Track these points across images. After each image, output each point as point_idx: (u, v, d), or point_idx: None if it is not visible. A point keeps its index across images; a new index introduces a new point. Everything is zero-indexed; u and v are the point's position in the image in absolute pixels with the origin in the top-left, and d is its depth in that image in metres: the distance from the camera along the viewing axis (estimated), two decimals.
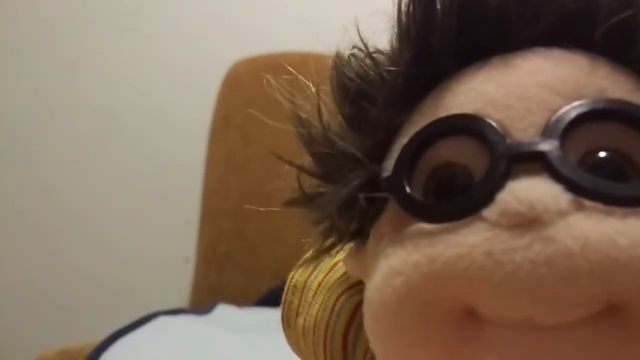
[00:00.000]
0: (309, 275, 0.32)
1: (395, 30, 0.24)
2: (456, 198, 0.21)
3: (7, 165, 1.23)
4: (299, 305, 0.32)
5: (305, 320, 0.31)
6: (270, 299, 0.88)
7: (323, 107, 0.26)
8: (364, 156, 0.24)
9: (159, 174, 1.19)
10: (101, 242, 1.21)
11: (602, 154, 0.21)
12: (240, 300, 0.93)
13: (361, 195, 0.23)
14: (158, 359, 0.67)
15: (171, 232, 1.17)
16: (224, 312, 0.86)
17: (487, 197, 0.20)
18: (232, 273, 0.99)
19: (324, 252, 0.27)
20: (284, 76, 0.28)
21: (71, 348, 0.73)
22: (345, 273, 0.30)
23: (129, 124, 1.20)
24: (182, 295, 1.04)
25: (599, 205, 0.19)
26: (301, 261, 0.31)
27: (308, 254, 0.29)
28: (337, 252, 0.27)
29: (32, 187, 1.22)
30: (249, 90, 0.99)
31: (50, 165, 1.22)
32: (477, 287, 0.19)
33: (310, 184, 0.26)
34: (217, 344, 0.71)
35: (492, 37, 0.23)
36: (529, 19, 0.23)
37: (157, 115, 1.20)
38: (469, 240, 0.19)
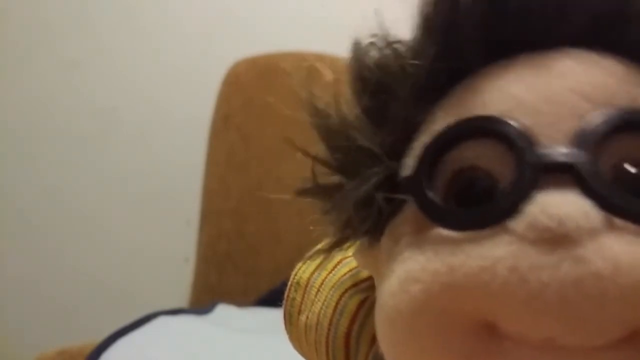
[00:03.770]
0: (312, 273, 0.32)
1: (418, 20, 0.23)
2: (480, 206, 0.20)
3: (7, 165, 1.23)
4: (301, 303, 0.31)
5: (307, 317, 0.31)
6: (270, 299, 0.88)
7: (340, 99, 0.25)
8: (383, 152, 0.23)
9: (159, 174, 1.19)
10: (101, 242, 1.21)
11: (632, 169, 0.20)
12: (240, 300, 0.93)
13: (379, 195, 0.22)
14: (158, 359, 0.67)
15: (171, 232, 1.17)
16: (224, 312, 0.86)
17: (514, 208, 0.19)
18: (232, 273, 0.99)
19: (336, 245, 0.26)
20: (299, 68, 0.26)
21: (71, 348, 0.73)
22: (348, 271, 0.30)
23: (129, 124, 1.20)
24: (182, 295, 1.04)
25: (631, 226, 0.18)
26: (312, 252, 0.31)
27: (320, 246, 0.29)
28: (348, 247, 0.27)
29: (32, 187, 1.22)
30: (249, 90, 0.99)
31: (51, 165, 1.22)
32: (500, 302, 0.18)
33: (324, 174, 0.25)
34: (217, 344, 0.71)
35: (520, 33, 0.22)
36: (558, 17, 0.22)
37: (157, 115, 1.20)
38: (494, 253, 0.18)
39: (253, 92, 0.99)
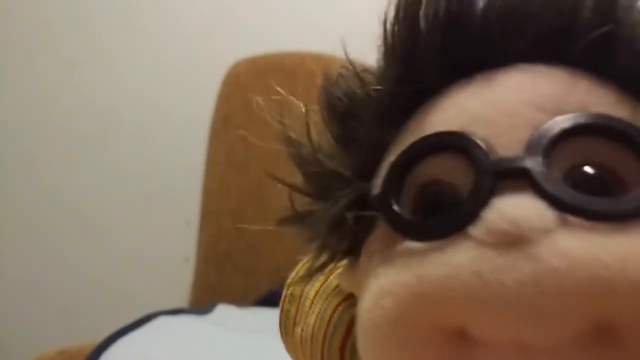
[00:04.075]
0: (306, 284, 0.32)
1: (382, 48, 0.25)
2: (443, 216, 0.20)
3: (7, 165, 1.24)
4: (296, 315, 0.32)
5: (302, 330, 0.31)
6: (270, 299, 0.88)
7: (312, 127, 0.26)
8: (353, 174, 0.24)
9: (159, 174, 1.19)
10: (101, 242, 1.21)
11: (586, 169, 0.21)
12: (240, 300, 0.93)
13: (349, 215, 0.23)
14: (158, 359, 0.67)
15: (171, 232, 1.17)
16: (223, 312, 0.86)
17: (474, 215, 0.20)
18: (232, 273, 0.99)
19: (316, 270, 0.27)
20: (273, 97, 0.28)
21: (71, 348, 0.73)
22: None
23: (129, 124, 1.21)
24: (182, 295, 1.04)
25: (584, 222, 0.19)
26: (294, 278, 0.31)
27: (301, 272, 0.29)
28: (330, 270, 0.27)
29: (32, 187, 1.22)
30: (249, 90, 0.99)
31: (51, 165, 1.22)
32: (466, 307, 0.19)
33: (303, 202, 0.26)
34: (217, 344, 0.71)
35: (476, 53, 0.23)
36: (511, 35, 0.23)
37: (157, 115, 1.20)
38: (457, 260, 0.19)
39: (253, 92, 0.99)
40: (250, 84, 0.99)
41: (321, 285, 0.31)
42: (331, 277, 0.31)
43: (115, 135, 1.21)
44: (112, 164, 1.21)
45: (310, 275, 0.28)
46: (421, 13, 0.23)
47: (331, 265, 0.27)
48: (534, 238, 0.18)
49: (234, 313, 0.87)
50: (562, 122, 0.21)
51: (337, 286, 0.30)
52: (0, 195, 1.23)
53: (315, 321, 0.30)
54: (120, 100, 1.21)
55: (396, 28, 0.24)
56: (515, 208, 0.19)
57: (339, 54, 0.27)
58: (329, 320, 0.30)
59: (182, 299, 1.03)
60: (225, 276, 0.99)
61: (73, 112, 1.21)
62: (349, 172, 0.24)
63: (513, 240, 0.19)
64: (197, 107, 1.08)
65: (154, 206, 1.19)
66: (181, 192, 1.14)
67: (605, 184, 0.20)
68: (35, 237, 1.22)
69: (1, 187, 1.24)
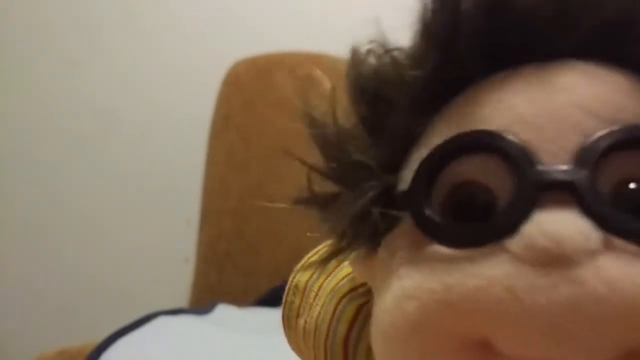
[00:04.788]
0: (311, 276, 0.31)
1: (418, 28, 0.23)
2: (478, 223, 0.19)
3: (7, 164, 1.23)
4: (300, 306, 0.31)
5: (306, 322, 0.31)
6: (270, 299, 0.88)
7: (337, 108, 0.24)
8: (379, 166, 0.23)
9: (159, 174, 1.19)
10: (101, 242, 1.21)
11: (633, 186, 0.19)
12: (240, 300, 0.93)
13: (375, 210, 0.22)
14: (158, 359, 0.67)
15: (171, 232, 1.17)
16: (223, 312, 0.86)
17: (512, 227, 0.19)
18: (232, 273, 0.99)
19: (330, 256, 0.26)
20: (297, 74, 0.26)
21: (71, 348, 0.73)
22: (346, 275, 0.30)
23: (129, 124, 1.20)
24: (182, 295, 1.04)
25: (630, 246, 0.18)
26: (305, 263, 0.31)
27: (314, 257, 0.29)
28: (335, 264, 0.27)
29: (32, 187, 1.22)
30: (249, 90, 0.99)
31: (51, 165, 1.22)
32: (494, 321, 0.18)
33: (321, 183, 0.24)
34: (217, 344, 0.71)
35: (522, 42, 0.21)
36: (565, 26, 0.21)
37: (157, 115, 1.20)
38: (490, 273, 0.18)
39: (253, 92, 0.99)
40: (250, 84, 0.99)
41: (326, 278, 0.31)
42: (336, 270, 0.31)
43: (115, 135, 1.21)
44: (112, 164, 1.21)
45: (324, 260, 0.27)
46: None
47: (347, 252, 0.26)
48: (576, 259, 0.18)
49: (234, 313, 0.87)
50: (615, 133, 0.19)
51: (342, 279, 0.30)
52: (0, 195, 1.23)
53: (320, 313, 0.30)
54: (120, 100, 1.20)
55: (434, 7, 0.22)
56: (558, 225, 0.18)
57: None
58: (333, 312, 0.30)
59: (182, 299, 1.03)
60: (225, 276, 0.99)
61: (73, 112, 1.21)
62: (375, 162, 0.23)
63: (553, 259, 0.18)
64: (197, 107, 1.08)
65: (154, 206, 1.19)
66: (181, 192, 1.14)
67: None
68: (35, 237, 1.22)
69: (1, 187, 1.23)
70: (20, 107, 1.23)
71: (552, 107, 0.20)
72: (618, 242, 0.18)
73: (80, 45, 1.22)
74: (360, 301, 0.29)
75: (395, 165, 0.23)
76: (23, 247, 1.23)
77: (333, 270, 0.31)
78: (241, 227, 0.99)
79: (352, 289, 0.29)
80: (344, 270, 0.31)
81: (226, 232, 0.99)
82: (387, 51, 0.23)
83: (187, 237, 1.07)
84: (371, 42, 0.24)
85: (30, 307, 1.22)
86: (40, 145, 1.22)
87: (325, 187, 0.24)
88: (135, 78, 1.20)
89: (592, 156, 0.19)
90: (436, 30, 0.22)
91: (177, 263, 1.12)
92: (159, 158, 1.19)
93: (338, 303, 0.30)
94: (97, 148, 1.21)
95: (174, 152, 1.18)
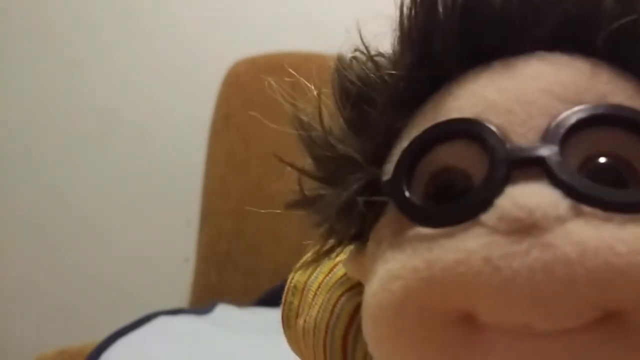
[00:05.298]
0: (309, 276, 0.32)
1: (397, 33, 0.24)
2: (455, 202, 0.20)
3: (7, 164, 1.23)
4: (299, 306, 0.32)
5: (305, 321, 0.31)
6: (270, 299, 0.88)
7: (324, 110, 0.25)
8: (364, 159, 0.24)
9: (159, 174, 1.19)
10: (101, 242, 1.21)
11: (602, 160, 0.21)
12: (240, 300, 0.93)
13: (360, 199, 0.23)
14: (158, 359, 0.67)
15: (171, 232, 1.17)
16: (224, 312, 0.86)
17: (486, 202, 0.20)
18: (232, 273, 0.99)
19: (323, 254, 0.27)
20: (286, 78, 0.28)
21: (71, 348, 0.73)
22: (345, 274, 0.30)
23: (129, 124, 1.20)
24: (182, 295, 1.04)
25: (598, 212, 0.19)
26: (301, 263, 0.31)
27: (308, 256, 0.29)
28: (337, 255, 0.27)
29: (32, 187, 1.22)
30: (249, 90, 0.99)
31: (51, 165, 1.22)
32: (475, 292, 0.19)
33: (311, 186, 0.26)
34: (217, 343, 0.71)
35: (495, 40, 0.23)
36: (531, 22, 0.23)
37: (157, 115, 1.20)
38: (467, 246, 0.19)
39: (253, 92, 0.99)
40: (250, 84, 0.99)
41: (324, 278, 0.31)
42: (334, 270, 0.31)
43: (115, 135, 1.21)
44: (112, 164, 1.21)
45: (317, 259, 0.28)
46: None
47: (338, 250, 0.27)
48: (547, 226, 0.19)
49: (234, 313, 0.87)
50: (579, 112, 0.21)
51: (341, 278, 0.30)
52: (0, 195, 1.23)
53: (318, 312, 0.30)
54: (120, 100, 1.21)
55: (413, 12, 0.24)
56: (529, 196, 0.19)
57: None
58: (332, 309, 0.30)
59: (182, 299, 1.03)
60: (225, 276, 0.99)
61: (73, 112, 1.21)
62: (361, 157, 0.24)
63: (526, 228, 0.19)
64: (197, 107, 1.08)
65: (154, 206, 1.19)
66: (181, 192, 1.14)
67: (620, 175, 0.20)
68: (35, 237, 1.22)
69: (1, 187, 1.23)
70: (20, 107, 1.23)
71: (521, 93, 0.22)
72: (587, 209, 0.19)
73: (80, 45, 1.22)
74: (358, 299, 0.30)
75: (379, 158, 0.24)
76: (23, 247, 1.23)
77: (332, 269, 0.31)
78: (241, 227, 0.99)
79: (352, 287, 0.30)
80: (343, 269, 0.31)
81: (226, 232, 1.00)
82: (370, 57, 0.25)
83: (187, 237, 1.07)
84: (356, 49, 0.25)
85: (30, 307, 1.22)
86: (40, 145, 1.22)
87: (316, 189, 0.25)
88: (135, 78, 1.20)
89: (559, 134, 0.20)
90: (413, 32, 0.24)
91: (177, 263, 1.12)
92: (159, 158, 1.19)
93: (337, 301, 0.30)
94: (97, 148, 1.21)
95: (174, 152, 1.18)
